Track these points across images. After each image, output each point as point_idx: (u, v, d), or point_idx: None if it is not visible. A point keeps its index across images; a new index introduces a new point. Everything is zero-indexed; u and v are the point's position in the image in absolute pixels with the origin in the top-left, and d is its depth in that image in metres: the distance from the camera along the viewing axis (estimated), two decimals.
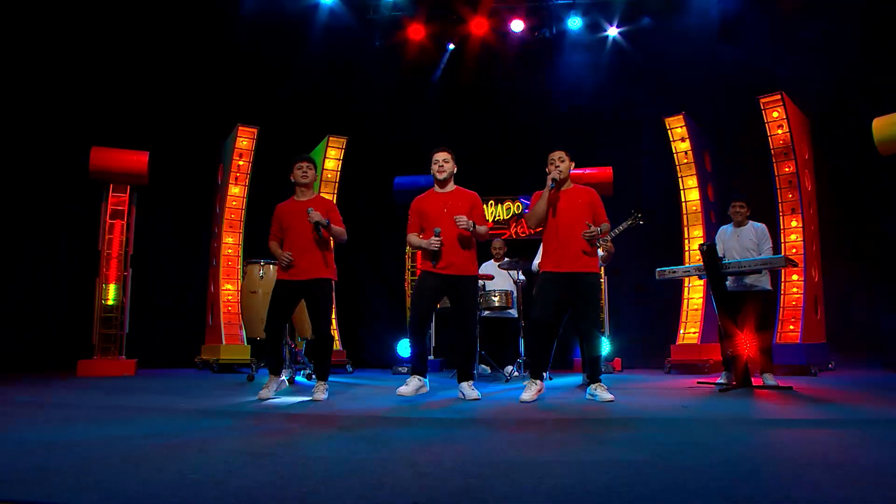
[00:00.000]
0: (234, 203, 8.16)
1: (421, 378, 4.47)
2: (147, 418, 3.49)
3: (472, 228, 4.26)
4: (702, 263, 5.10)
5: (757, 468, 2.15)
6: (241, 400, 4.31)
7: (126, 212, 7.52)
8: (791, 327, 6.72)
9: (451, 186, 4.45)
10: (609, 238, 5.92)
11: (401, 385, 4.51)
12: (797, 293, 6.85)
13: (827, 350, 7.10)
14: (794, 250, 6.92)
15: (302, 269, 4.35)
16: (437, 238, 4.24)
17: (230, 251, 8.11)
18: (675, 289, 7.91)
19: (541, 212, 4.31)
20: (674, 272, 5.42)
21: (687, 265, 6.33)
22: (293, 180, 4.53)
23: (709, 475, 2.05)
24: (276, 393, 4.54)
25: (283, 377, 4.70)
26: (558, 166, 4.29)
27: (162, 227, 8.77)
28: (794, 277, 6.90)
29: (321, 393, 4.36)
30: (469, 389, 4.36)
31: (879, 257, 7.56)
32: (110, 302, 7.40)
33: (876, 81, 7.23)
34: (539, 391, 4.24)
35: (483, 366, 6.67)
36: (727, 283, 5.14)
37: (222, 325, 7.69)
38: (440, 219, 4.33)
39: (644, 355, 8.26)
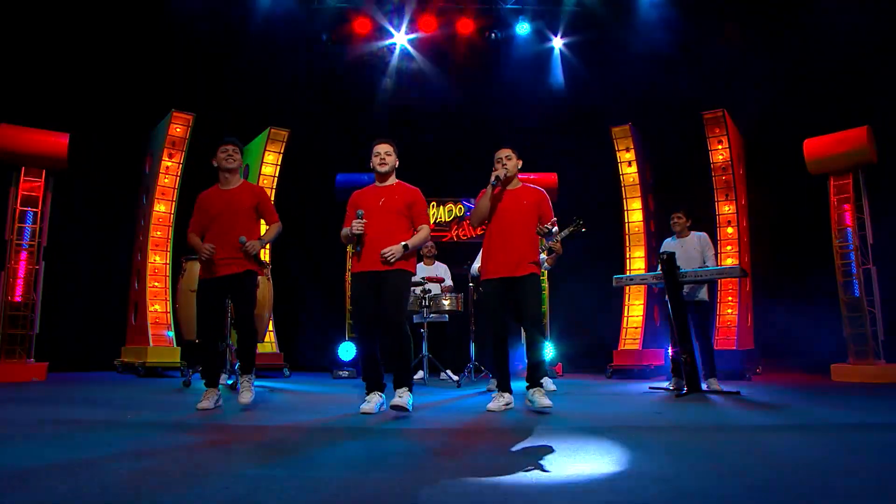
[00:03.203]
0: (163, 195, 7.54)
1: (380, 393, 3.92)
2: (96, 434, 3.06)
3: (403, 253, 3.79)
4: (657, 272, 5.22)
5: (781, 476, 2.14)
6: (194, 410, 3.92)
7: (41, 198, 6.77)
8: (726, 334, 7.03)
9: (391, 181, 4.04)
10: (558, 239, 5.76)
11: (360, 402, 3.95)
12: (732, 301, 7.19)
13: (755, 355, 7.49)
14: (729, 260, 7.25)
15: (227, 264, 4.00)
16: (358, 221, 3.83)
17: (158, 246, 7.49)
18: (615, 294, 8.09)
19: (483, 210, 4.13)
20: (631, 280, 5.51)
21: (644, 273, 6.46)
22: (216, 164, 4.15)
23: (743, 485, 2.01)
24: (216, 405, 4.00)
25: (220, 391, 4.21)
26: (505, 164, 4.10)
27: (81, 216, 7.97)
28: (730, 287, 7.23)
29: (248, 393, 4.09)
30: (397, 397, 3.73)
31: (799, 268, 8.08)
32: (18, 299, 6.64)
33: (808, 104, 7.72)
34: (507, 404, 4.05)
35: (423, 372, 6.52)
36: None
37: (149, 326, 7.08)
38: (373, 212, 3.90)
39: (584, 360, 8.41)
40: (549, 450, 2.64)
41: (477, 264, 5.66)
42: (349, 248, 8.68)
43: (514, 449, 2.69)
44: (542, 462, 2.36)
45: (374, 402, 3.82)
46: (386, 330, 3.83)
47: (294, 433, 3.14)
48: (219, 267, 3.99)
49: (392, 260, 3.76)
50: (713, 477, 2.14)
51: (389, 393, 3.85)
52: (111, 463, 2.31)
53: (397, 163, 4.05)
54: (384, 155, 3.98)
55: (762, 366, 7.58)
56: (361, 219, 3.83)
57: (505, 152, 4.15)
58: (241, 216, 4.08)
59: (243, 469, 2.24)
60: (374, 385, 3.91)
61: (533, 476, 2.11)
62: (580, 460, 2.41)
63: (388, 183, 4.02)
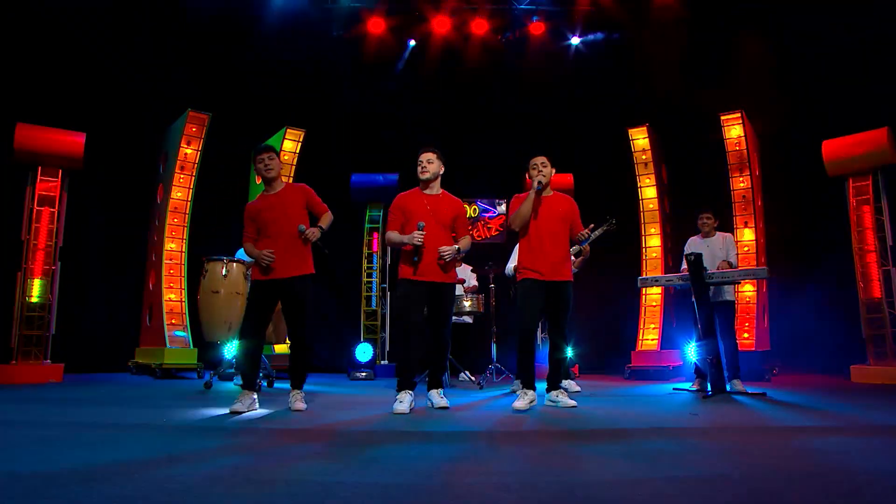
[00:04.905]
0: (178, 194, 7.49)
1: (411, 392, 4.06)
2: (140, 438, 3.03)
3: (458, 255, 4.13)
4: (681, 272, 5.21)
5: (853, 479, 2.12)
6: (227, 412, 3.88)
7: (57, 198, 6.73)
8: (745, 335, 7.02)
9: (436, 189, 4.22)
10: (589, 241, 5.79)
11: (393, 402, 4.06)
12: (750, 303, 7.17)
13: (771, 356, 7.48)
14: (746, 262, 7.23)
15: (282, 268, 4.02)
16: (420, 232, 3.99)
17: (173, 246, 7.44)
18: (632, 295, 8.05)
19: (526, 214, 4.25)
20: (656, 281, 5.49)
21: (669, 274, 6.44)
22: (258, 173, 4.23)
23: (823, 489, 1.98)
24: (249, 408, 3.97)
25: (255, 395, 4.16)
26: (541, 171, 4.26)
27: (96, 217, 7.93)
28: (748, 288, 7.21)
29: (300, 402, 4.09)
30: (438, 398, 4.20)
31: (813, 268, 8.07)
32: (35, 299, 6.59)
33: (826, 105, 7.71)
34: (532, 401, 4.11)
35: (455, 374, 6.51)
36: None
37: (165, 327, 7.04)
38: (424, 219, 4.08)
39: (600, 361, 8.38)
40: (608, 452, 2.61)
41: (511, 264, 5.73)
42: (364, 249, 8.67)
43: (576, 452, 2.66)
44: (605, 465, 2.34)
45: (406, 401, 3.97)
46: (435, 337, 4.16)
47: (340, 437, 3.10)
48: (275, 269, 4.00)
49: (448, 258, 4.03)
50: (784, 479, 2.12)
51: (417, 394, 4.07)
52: (167, 468, 2.27)
53: (442, 169, 4.21)
54: (426, 163, 4.16)
55: (778, 367, 7.56)
56: (422, 230, 3.99)
57: (540, 159, 4.29)
58: (295, 217, 4.09)
59: (307, 476, 2.21)
60: (407, 384, 4.06)
61: (606, 478, 2.09)
62: (642, 462, 2.38)
63: (433, 192, 4.20)
